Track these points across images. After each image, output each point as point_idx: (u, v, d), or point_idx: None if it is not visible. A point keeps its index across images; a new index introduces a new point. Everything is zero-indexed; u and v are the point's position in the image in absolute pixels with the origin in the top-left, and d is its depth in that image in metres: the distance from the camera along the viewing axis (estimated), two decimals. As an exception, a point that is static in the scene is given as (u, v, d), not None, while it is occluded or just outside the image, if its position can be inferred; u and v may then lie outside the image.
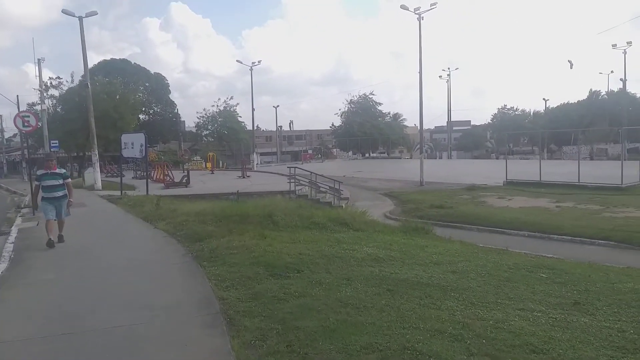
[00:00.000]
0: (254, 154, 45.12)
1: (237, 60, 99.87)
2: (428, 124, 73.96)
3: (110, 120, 33.96)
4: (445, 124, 69.87)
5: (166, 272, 7.10)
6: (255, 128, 53.89)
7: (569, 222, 14.76)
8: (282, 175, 27.87)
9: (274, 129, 72.82)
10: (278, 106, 72.83)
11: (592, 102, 56.42)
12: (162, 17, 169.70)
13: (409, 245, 9.14)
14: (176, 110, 60.64)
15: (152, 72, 58.53)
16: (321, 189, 20.65)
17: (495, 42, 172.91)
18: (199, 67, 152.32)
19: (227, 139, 58.90)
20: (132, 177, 29.49)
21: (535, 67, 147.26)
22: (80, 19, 22.96)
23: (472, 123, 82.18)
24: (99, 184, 22.94)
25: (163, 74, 60.66)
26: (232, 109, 59.43)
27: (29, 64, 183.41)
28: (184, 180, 25.22)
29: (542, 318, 4.84)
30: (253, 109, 44.88)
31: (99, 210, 15.03)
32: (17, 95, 41.05)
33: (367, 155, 67.27)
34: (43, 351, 4.33)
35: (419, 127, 32.74)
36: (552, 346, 4.07)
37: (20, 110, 35.09)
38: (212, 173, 36.69)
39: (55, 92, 38.10)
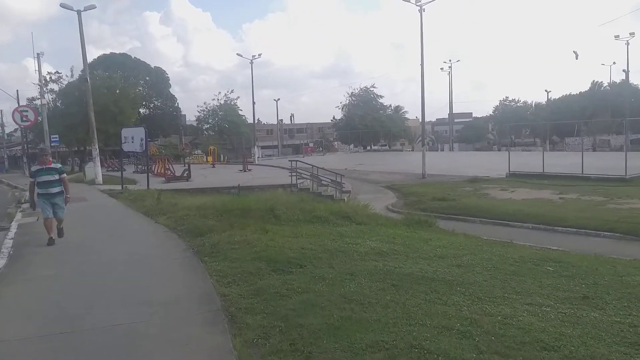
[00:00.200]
0: (255, 147, 45.05)
1: (237, 54, 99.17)
2: (429, 116, 73.58)
3: (111, 115, 33.76)
4: (447, 116, 69.60)
5: (167, 267, 7.01)
6: (256, 121, 53.83)
7: (572, 213, 14.61)
8: (284, 168, 27.76)
9: (275, 122, 72.64)
10: (279, 99, 72.93)
11: (595, 94, 56.17)
12: (162, 10, 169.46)
13: (412, 238, 8.98)
14: (177, 104, 60.41)
15: (152, 66, 58.36)
16: (323, 182, 20.53)
17: (497, 34, 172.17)
18: (199, 61, 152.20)
19: (227, 133, 58.78)
20: (133, 171, 29.45)
21: (537, 59, 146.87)
22: (79, 12, 22.79)
23: (473, 115, 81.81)
24: (100, 179, 22.84)
25: (163, 68, 60.81)
26: (232, 103, 59.33)
27: (29, 58, 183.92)
28: (185, 174, 25.13)
29: (551, 313, 4.72)
30: (254, 103, 44.87)
31: (99, 205, 14.95)
32: (17, 90, 40.69)
33: (368, 148, 67.16)
34: (42, 350, 4.24)
35: (420, 120, 32.58)
36: (563, 343, 3.95)
37: (20, 104, 35.03)
38: (213, 167, 36.68)
39: (55, 87, 37.90)
